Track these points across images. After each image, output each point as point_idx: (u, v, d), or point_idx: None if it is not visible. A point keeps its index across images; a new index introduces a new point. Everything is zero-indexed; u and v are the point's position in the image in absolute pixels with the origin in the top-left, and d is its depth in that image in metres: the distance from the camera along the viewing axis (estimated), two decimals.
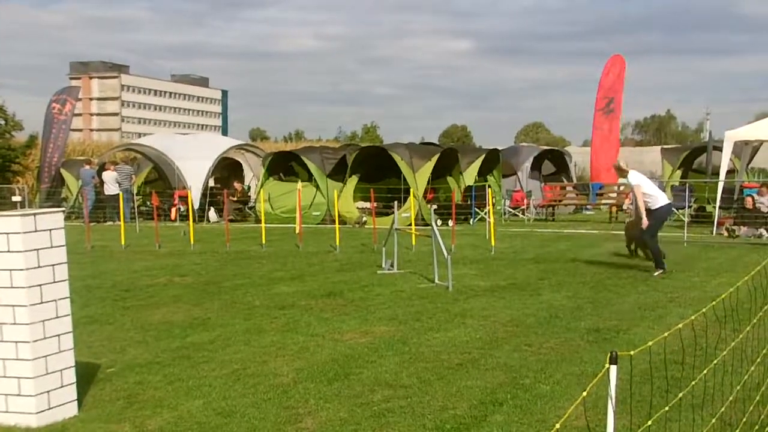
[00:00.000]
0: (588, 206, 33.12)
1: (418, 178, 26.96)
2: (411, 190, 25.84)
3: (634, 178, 15.17)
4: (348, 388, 7.54)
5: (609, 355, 3.67)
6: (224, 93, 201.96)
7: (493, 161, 31.22)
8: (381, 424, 6.51)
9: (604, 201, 31.72)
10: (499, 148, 33.75)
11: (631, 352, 3.97)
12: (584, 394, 3.65)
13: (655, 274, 14.85)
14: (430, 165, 27.35)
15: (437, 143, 42.08)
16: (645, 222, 14.94)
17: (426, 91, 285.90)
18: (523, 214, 30.65)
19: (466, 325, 10.36)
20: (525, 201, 31.26)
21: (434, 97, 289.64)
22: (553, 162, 36.20)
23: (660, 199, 15.29)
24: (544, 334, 9.83)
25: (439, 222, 24.11)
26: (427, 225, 20.13)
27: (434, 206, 25.35)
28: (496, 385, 7.60)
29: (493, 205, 23.36)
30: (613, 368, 3.65)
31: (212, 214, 31.18)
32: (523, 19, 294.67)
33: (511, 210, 30.89)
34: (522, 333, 9.88)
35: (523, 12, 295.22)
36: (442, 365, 8.34)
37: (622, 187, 30.20)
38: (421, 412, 6.76)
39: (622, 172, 15.61)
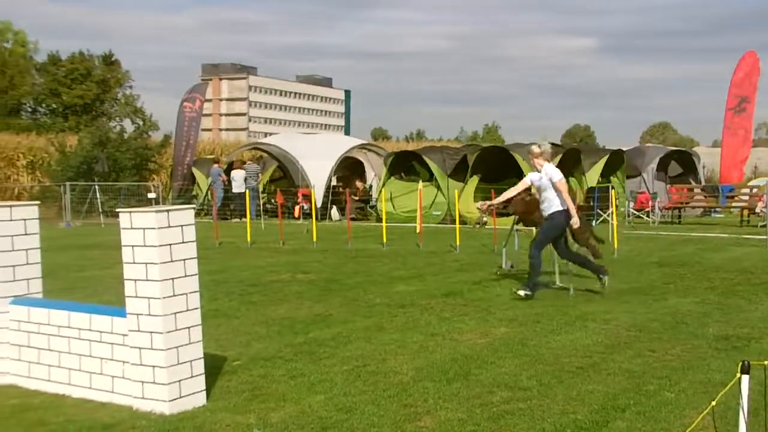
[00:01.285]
0: (717, 209, 32.21)
1: None
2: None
3: (555, 172, 12.73)
4: (467, 389, 7.53)
5: (740, 364, 3.59)
6: (347, 93, 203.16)
7: (617, 162, 30.73)
8: (500, 426, 6.48)
9: (734, 204, 30.56)
10: (624, 148, 33.21)
11: (765, 362, 3.86)
12: (713, 403, 3.59)
13: (520, 292, 12.39)
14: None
15: (559, 143, 41.59)
16: (576, 220, 12.69)
17: (548, 91, 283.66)
18: (648, 216, 30.03)
19: (587, 328, 10.20)
20: (650, 203, 30.58)
21: (557, 96, 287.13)
22: (680, 163, 35.24)
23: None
24: (669, 340, 9.56)
25: None
26: None
27: None
28: (618, 390, 7.45)
29: (617, 206, 22.99)
30: (745, 378, 3.57)
31: (334, 212, 31.50)
32: (651, 15, 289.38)
33: (635, 212, 30.30)
34: (645, 338, 9.65)
35: (651, 7, 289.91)
36: (562, 368, 8.23)
37: (755, 189, 29.43)
38: (541, 416, 6.70)
39: (536, 159, 12.86)
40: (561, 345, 9.29)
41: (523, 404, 7.00)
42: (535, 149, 12.91)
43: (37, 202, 8.91)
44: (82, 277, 12.00)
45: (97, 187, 34.06)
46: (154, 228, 6.90)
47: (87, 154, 36.71)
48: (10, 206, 8.24)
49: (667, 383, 7.68)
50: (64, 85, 77.97)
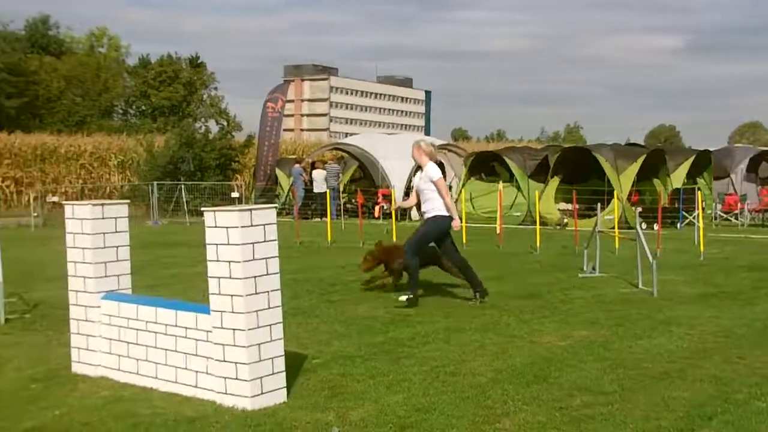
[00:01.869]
0: None
1: (623, 179, 26.42)
2: (615, 192, 25.34)
3: (434, 171, 12.04)
4: (546, 392, 7.44)
5: None
6: (427, 93, 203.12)
7: (704, 163, 30.25)
8: (580, 430, 6.39)
9: None
10: (711, 149, 32.62)
11: None
12: None
13: (402, 298, 11.93)
14: (635, 167, 26.75)
15: (643, 144, 41.06)
16: (458, 223, 12.26)
17: (632, 91, 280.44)
18: (737, 218, 29.46)
19: (671, 333, 9.97)
20: (739, 205, 29.96)
21: (640, 96, 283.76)
22: None
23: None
24: (760, 346, 9.25)
25: (644, 225, 23.52)
26: (631, 228, 19.65)
27: (639, 209, 24.75)
28: (704, 397, 7.25)
29: (703, 208, 22.64)
30: None
31: (414, 212, 31.48)
32: (739, 12, 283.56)
33: (722, 214, 29.76)
34: (733, 344, 9.37)
35: (739, 5, 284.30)
36: (645, 374, 8.07)
37: None
38: (623, 420, 6.58)
39: (422, 156, 12.16)
40: (644, 349, 9.12)
41: (604, 409, 6.89)
42: (423, 146, 12.34)
43: (127, 200, 9.09)
44: (169, 274, 12.20)
45: (182, 186, 34.55)
46: (237, 227, 6.97)
47: (173, 154, 37.31)
48: (102, 204, 8.45)
49: (758, 392, 7.41)
50: (153, 87, 79.38)
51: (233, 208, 7.19)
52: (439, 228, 12.17)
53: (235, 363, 7.06)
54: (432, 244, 12.55)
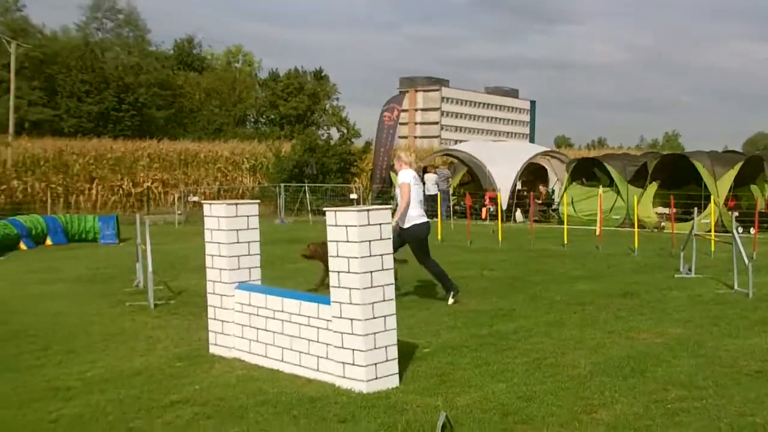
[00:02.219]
0: None
1: (720, 185, 25.70)
2: (711, 197, 24.70)
3: (403, 175, 11.71)
4: (642, 385, 7.28)
5: None
6: (532, 103, 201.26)
7: None
8: (674, 423, 6.23)
9: None
10: None
11: None
12: None
13: (449, 301, 11.71)
14: (732, 173, 25.96)
15: (741, 151, 39.89)
16: (395, 222, 11.37)
17: (730, 99, 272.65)
18: None
19: (766, 333, 9.58)
20: None
21: (738, 104, 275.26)
22: None
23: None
24: None
25: (740, 230, 22.85)
26: (727, 232, 19.10)
27: (736, 213, 24.03)
28: None
29: None
30: None
31: (518, 214, 31.28)
32: None
33: None
34: None
35: None
36: (740, 371, 7.78)
37: None
38: (717, 415, 6.37)
39: (400, 165, 11.89)
40: (739, 348, 8.79)
41: (698, 403, 6.69)
42: (404, 157, 12.00)
43: (257, 200, 9.25)
44: (294, 268, 12.33)
45: (306, 188, 34.95)
46: (355, 225, 7.03)
47: (299, 159, 37.79)
48: (236, 204, 8.64)
49: None
50: (281, 98, 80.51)
51: (352, 208, 7.24)
52: (421, 230, 11.67)
53: (353, 350, 7.12)
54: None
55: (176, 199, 36.19)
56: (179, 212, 33.21)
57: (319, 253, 12.99)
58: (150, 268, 11.88)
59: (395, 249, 11.05)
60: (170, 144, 47.67)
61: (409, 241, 11.69)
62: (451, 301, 11.68)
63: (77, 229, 24.27)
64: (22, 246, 21.83)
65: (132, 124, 66.23)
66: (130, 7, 78.35)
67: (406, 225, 11.54)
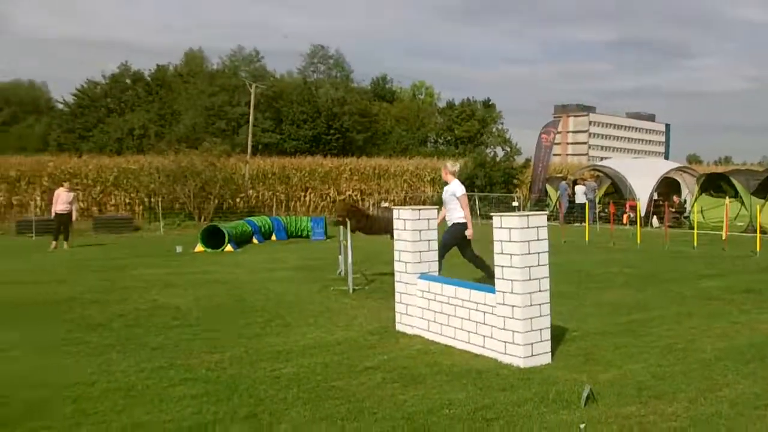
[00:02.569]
0: None
1: None
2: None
3: (459, 187, 11.33)
4: (763, 369, 6.83)
5: None
6: (667, 126, 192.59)
7: None
8: None
9: None
10: None
11: None
12: None
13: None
14: None
15: None
16: (471, 232, 11.31)
17: None
18: None
19: None
20: None
21: None
22: None
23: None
24: None
25: None
26: None
27: None
28: None
29: None
30: None
31: (655, 220, 30.05)
32: None
33: None
34: None
35: None
36: None
37: None
38: None
39: (447, 175, 11.45)
40: None
41: None
42: (449, 166, 11.51)
43: (436, 207, 9.28)
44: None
45: (476, 197, 34.83)
46: (517, 228, 6.94)
47: (470, 173, 37.71)
48: (419, 209, 8.70)
49: None
50: (456, 123, 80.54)
51: (514, 214, 7.16)
52: (458, 232, 11.32)
53: (513, 331, 7.03)
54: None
55: (371, 205, 36.79)
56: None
57: (344, 213, 12.89)
58: (350, 260, 12.12)
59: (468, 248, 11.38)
60: (367, 160, 48.52)
61: (452, 234, 11.34)
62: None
63: (294, 227, 25.04)
64: (255, 240, 22.72)
65: (337, 145, 67.73)
66: (338, 54, 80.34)
67: (453, 221, 11.30)
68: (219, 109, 66.87)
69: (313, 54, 79.40)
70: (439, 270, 9.85)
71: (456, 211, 11.32)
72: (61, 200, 21.18)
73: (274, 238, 24.05)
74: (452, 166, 11.57)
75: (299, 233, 24.88)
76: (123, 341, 8.21)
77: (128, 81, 73.57)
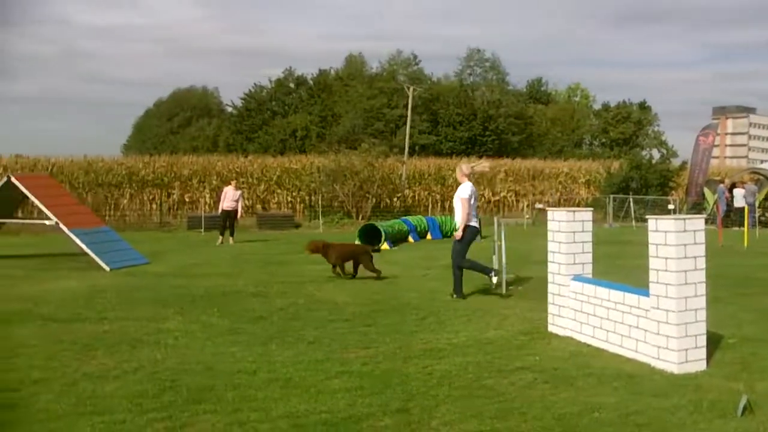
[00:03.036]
0: None
1: None
2: None
3: (462, 190, 11.07)
4: None
5: None
6: None
7: None
8: None
9: None
10: None
11: None
12: None
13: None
14: None
15: None
16: (459, 234, 11.02)
17: None
18: None
19: None
20: None
21: None
22: None
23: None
24: None
25: None
26: None
27: None
28: None
29: None
30: None
31: None
32: None
33: None
34: None
35: None
36: None
37: None
38: None
39: (461, 176, 11.25)
40: None
41: None
42: (464, 168, 11.32)
43: (590, 208, 9.05)
44: (617, 264, 11.87)
45: (631, 199, 33.71)
46: (673, 231, 6.68)
47: (625, 175, 36.63)
48: (574, 211, 8.57)
49: None
50: (611, 125, 78.15)
51: (670, 217, 6.89)
52: (471, 234, 11.10)
53: (667, 336, 6.75)
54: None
55: (525, 206, 36.34)
56: (527, 216, 33.30)
57: (319, 249, 13.49)
58: (503, 261, 12.01)
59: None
60: (522, 162, 47.96)
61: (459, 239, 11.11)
62: (494, 280, 11.18)
63: (449, 227, 25.06)
64: (410, 239, 22.94)
65: (493, 147, 67.25)
66: (494, 57, 79.46)
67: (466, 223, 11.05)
68: (377, 112, 67.96)
69: (470, 57, 79.11)
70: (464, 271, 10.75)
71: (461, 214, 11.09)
72: (228, 198, 22.15)
73: (429, 237, 24.19)
74: (466, 168, 11.41)
75: (454, 233, 24.87)
76: (282, 333, 8.50)
77: (292, 85, 76.20)
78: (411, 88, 43.45)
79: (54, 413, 5.55)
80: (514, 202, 41.34)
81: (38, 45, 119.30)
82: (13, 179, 15.78)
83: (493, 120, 69.93)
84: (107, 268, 14.20)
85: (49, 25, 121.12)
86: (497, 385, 6.34)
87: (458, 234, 11.16)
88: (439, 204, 38.97)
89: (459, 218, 11.12)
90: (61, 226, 15.27)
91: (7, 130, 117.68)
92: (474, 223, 11.20)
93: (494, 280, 11.22)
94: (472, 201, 11.15)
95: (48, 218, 15.56)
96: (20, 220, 21.31)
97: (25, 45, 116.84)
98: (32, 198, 15.92)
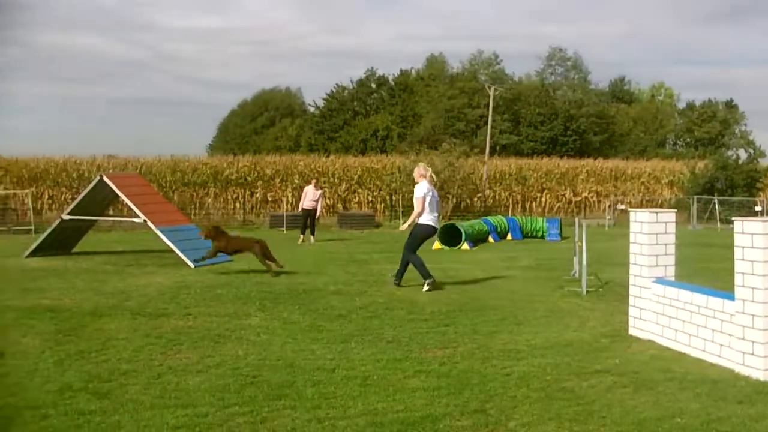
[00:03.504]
0: None
1: None
2: None
3: (417, 189, 11.96)
4: None
5: None
6: None
7: None
8: None
9: None
10: None
11: None
12: None
13: (424, 288, 11.43)
14: None
15: None
16: (403, 228, 12.67)
17: None
18: None
19: None
20: None
21: None
22: None
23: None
24: None
25: None
26: None
27: None
28: None
29: None
30: None
31: None
32: None
33: None
34: None
35: None
36: None
37: None
38: None
39: (417, 176, 12.26)
40: None
41: None
42: (421, 168, 12.33)
43: (674, 210, 8.82)
44: (700, 267, 11.54)
45: (716, 200, 32.72)
46: (760, 234, 6.45)
47: (710, 176, 35.60)
48: (656, 212, 8.36)
49: None
50: (696, 124, 75.99)
51: (757, 219, 6.66)
52: (424, 231, 11.94)
53: (752, 342, 6.51)
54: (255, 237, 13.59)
55: (607, 207, 35.66)
56: (609, 217, 32.70)
57: (211, 234, 13.99)
58: (584, 262, 11.82)
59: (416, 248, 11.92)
60: (603, 162, 47.16)
61: (416, 233, 11.91)
62: (425, 288, 11.43)
63: (529, 228, 24.84)
64: (490, 239, 22.80)
65: (574, 147, 66.31)
66: (576, 56, 78.14)
67: (419, 221, 11.87)
68: (458, 112, 67.80)
69: (551, 56, 78.08)
70: (420, 263, 11.57)
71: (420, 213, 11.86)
72: (309, 197, 22.40)
73: (509, 237, 24.00)
74: (423, 169, 12.33)
75: (534, 233, 24.63)
76: (361, 332, 8.55)
77: (373, 85, 76.68)
78: (492, 88, 43.26)
79: (141, 404, 5.73)
80: (596, 203, 40.62)
81: (134, 50, 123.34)
82: (104, 178, 16.33)
83: (574, 119, 68.92)
84: (192, 265, 14.57)
85: (142, 31, 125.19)
86: (576, 387, 6.24)
87: (404, 227, 12.64)
88: (519, 204, 38.65)
89: (413, 215, 12.01)
90: (149, 223, 15.73)
91: (106, 131, 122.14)
92: (428, 221, 11.88)
93: (425, 288, 11.48)
94: (428, 199, 11.80)
95: (137, 216, 16.05)
96: (111, 217, 22.12)
97: (122, 50, 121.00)
98: (122, 196, 16.46)
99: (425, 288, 11.49)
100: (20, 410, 5.58)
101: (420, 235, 11.94)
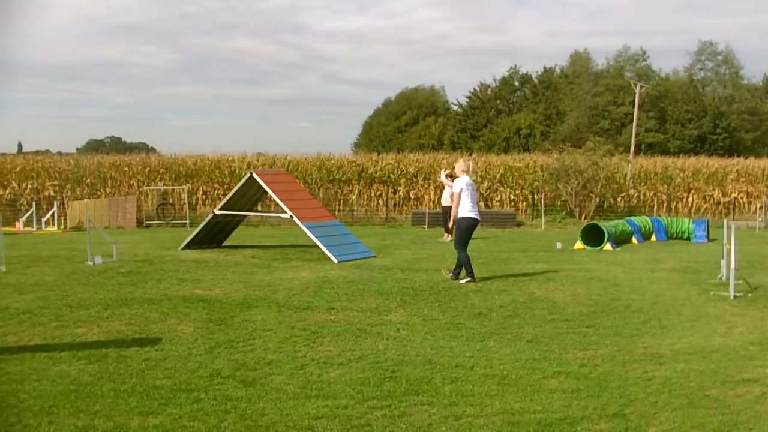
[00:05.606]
0: None
1: None
2: None
3: (455, 184, 12.40)
4: None
5: None
6: None
7: None
8: None
9: None
10: None
11: None
12: None
13: (462, 281, 11.97)
14: None
15: None
16: (451, 224, 13.06)
17: None
18: None
19: None
20: None
21: None
22: None
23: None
24: None
25: None
26: None
27: None
28: None
29: None
30: None
31: None
32: None
33: None
34: None
35: None
36: None
37: None
38: None
39: (458, 171, 12.47)
40: None
41: None
42: (462, 163, 12.57)
43: None
44: None
45: None
46: None
47: None
48: None
49: None
50: None
51: None
52: (461, 226, 12.24)
53: None
54: None
55: (758, 209, 33.67)
56: (760, 219, 30.85)
57: None
58: (733, 265, 11.21)
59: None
60: (755, 161, 44.43)
61: (458, 228, 12.24)
62: (464, 280, 11.91)
63: (675, 229, 23.83)
64: (634, 240, 22.03)
65: (724, 145, 62.97)
66: (728, 50, 74.05)
67: (459, 216, 12.18)
68: (603, 109, 65.92)
69: (701, 51, 74.36)
70: (466, 260, 11.93)
71: (460, 207, 12.18)
72: (446, 192, 22.44)
73: (653, 238, 23.10)
74: (464, 163, 12.61)
75: (680, 235, 23.59)
76: (501, 330, 8.49)
77: (516, 83, 75.85)
78: (638, 85, 41.68)
79: (284, 393, 5.94)
80: (746, 204, 38.38)
81: (284, 51, 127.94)
82: (254, 175, 16.99)
83: (724, 117, 65.45)
84: (335, 260, 14.90)
85: (292, 33, 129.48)
86: (721, 396, 5.95)
87: (450, 223, 13.28)
88: (665, 205, 37.13)
89: (462, 209, 12.21)
90: (295, 219, 16.22)
91: (257, 130, 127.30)
92: (470, 213, 12.20)
93: (462, 281, 11.96)
94: (466, 194, 12.13)
95: (284, 211, 16.59)
96: (260, 213, 22.97)
97: (272, 52, 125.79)
98: (270, 192, 17.06)
99: (462, 281, 11.98)
100: (175, 392, 5.93)
101: (464, 227, 12.29)
